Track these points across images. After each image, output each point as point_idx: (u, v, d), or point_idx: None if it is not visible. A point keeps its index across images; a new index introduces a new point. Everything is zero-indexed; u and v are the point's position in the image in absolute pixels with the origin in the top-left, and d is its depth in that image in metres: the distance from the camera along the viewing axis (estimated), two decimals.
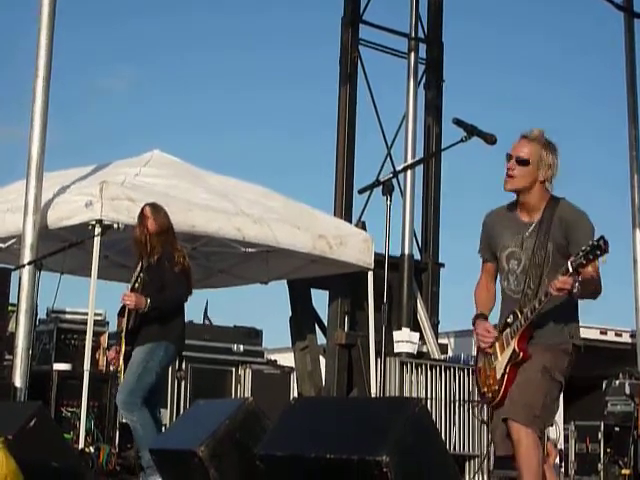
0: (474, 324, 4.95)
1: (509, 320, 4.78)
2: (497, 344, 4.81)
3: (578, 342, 4.81)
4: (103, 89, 32.70)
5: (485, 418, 10.89)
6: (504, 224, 4.91)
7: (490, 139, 5.10)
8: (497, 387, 4.75)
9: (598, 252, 4.38)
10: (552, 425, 5.27)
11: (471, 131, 5.12)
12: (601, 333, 14.03)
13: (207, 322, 11.41)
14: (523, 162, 4.74)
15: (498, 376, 4.76)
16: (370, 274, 10.46)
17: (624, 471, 10.33)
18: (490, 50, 28.27)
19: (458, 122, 5.16)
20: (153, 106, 32.31)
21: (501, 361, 4.76)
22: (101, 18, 29.98)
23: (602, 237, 4.41)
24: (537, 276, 4.72)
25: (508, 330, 4.77)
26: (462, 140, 5.16)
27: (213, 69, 32.50)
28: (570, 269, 4.45)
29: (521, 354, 4.69)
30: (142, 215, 7.08)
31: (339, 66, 11.87)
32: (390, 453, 3.80)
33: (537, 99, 27.05)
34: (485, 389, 4.84)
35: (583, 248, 4.42)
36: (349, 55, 11.81)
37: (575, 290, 4.50)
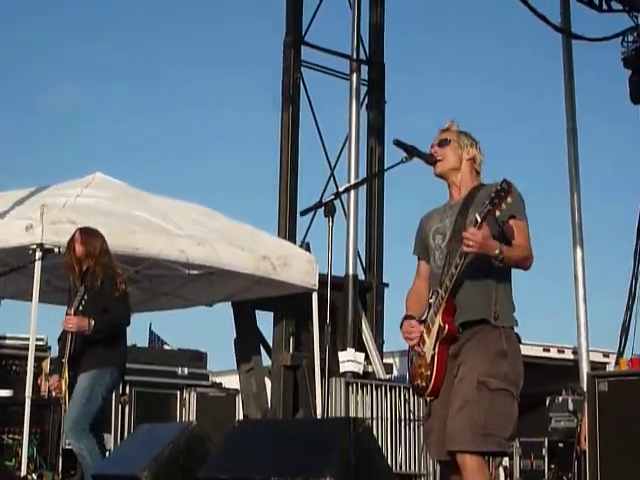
0: (400, 325, 4.77)
1: (431, 300, 4.63)
2: (424, 332, 4.64)
3: (506, 322, 4.59)
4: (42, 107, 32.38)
5: None
6: (434, 213, 4.88)
7: (430, 159, 5.13)
8: (429, 372, 4.56)
9: (502, 194, 4.31)
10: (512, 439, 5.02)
11: (411, 152, 5.13)
12: (544, 350, 14.15)
13: (158, 343, 11.35)
14: (444, 142, 4.81)
15: (428, 359, 4.57)
16: (314, 295, 10.45)
17: None
18: (432, 65, 28.56)
19: (398, 143, 5.18)
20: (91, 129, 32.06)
21: (429, 344, 4.58)
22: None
23: (504, 180, 4.35)
24: (458, 247, 4.51)
25: (431, 310, 4.61)
26: (403, 161, 5.15)
27: (149, 90, 32.42)
28: (478, 219, 4.34)
29: (446, 327, 4.51)
30: (72, 239, 7.06)
31: (281, 87, 11.91)
32: (334, 475, 3.80)
33: (477, 110, 27.36)
34: (418, 380, 4.64)
35: (487, 196, 4.36)
36: (291, 76, 11.85)
37: (497, 251, 4.38)
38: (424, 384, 4.61)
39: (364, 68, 12.53)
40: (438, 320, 4.56)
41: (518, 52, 29.26)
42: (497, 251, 4.42)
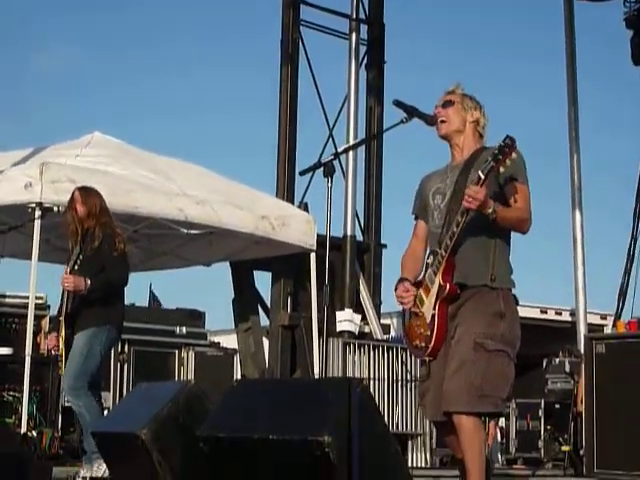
0: (395, 288, 4.78)
1: (429, 261, 4.64)
2: (421, 291, 4.64)
3: (504, 284, 4.60)
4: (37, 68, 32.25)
5: None
6: (436, 174, 4.88)
7: (430, 120, 5.10)
8: (429, 332, 4.55)
9: (506, 150, 4.31)
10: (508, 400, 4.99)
11: (411, 112, 5.11)
12: (541, 312, 14.21)
13: (156, 303, 11.37)
14: (448, 103, 4.80)
15: (428, 319, 4.56)
16: (313, 255, 10.45)
17: (564, 448, 10.45)
18: (431, 27, 28.39)
19: (398, 103, 5.16)
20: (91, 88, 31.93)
21: (428, 304, 4.57)
22: None
23: (507, 135, 4.34)
24: (458, 210, 4.50)
25: (429, 270, 4.61)
26: (402, 121, 5.13)
27: (152, 53, 32.27)
28: (482, 176, 4.34)
29: (447, 285, 4.50)
30: (72, 199, 7.03)
31: (280, 47, 11.85)
32: (332, 434, 3.82)
33: (478, 72, 27.25)
34: (417, 341, 4.64)
35: (491, 153, 4.35)
36: (290, 36, 11.79)
37: (490, 210, 4.38)
38: (423, 344, 4.61)
39: (364, 28, 12.47)
40: (438, 279, 4.56)
41: (519, 17, 29.11)
42: (490, 210, 4.41)
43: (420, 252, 4.87)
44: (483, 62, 29.29)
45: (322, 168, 5.17)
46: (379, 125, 12.22)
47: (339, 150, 5.55)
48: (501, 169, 4.36)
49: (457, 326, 4.59)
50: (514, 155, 4.35)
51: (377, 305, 12.11)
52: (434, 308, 4.57)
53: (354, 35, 12.19)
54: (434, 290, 4.58)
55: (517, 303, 4.72)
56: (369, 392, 4.38)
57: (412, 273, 4.80)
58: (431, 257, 4.65)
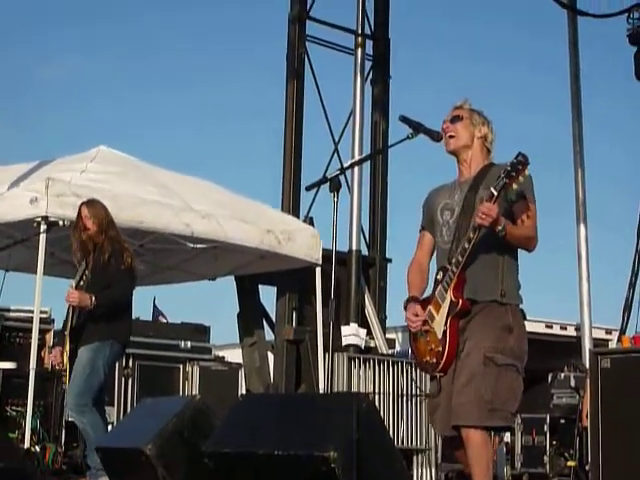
0: (405, 308, 4.80)
1: (438, 277, 4.66)
2: (431, 307, 4.65)
3: (512, 300, 4.64)
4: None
5: None
6: (443, 189, 4.90)
7: (436, 136, 5.11)
8: (440, 348, 4.58)
9: (519, 167, 4.33)
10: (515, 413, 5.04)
11: (417, 128, 5.13)
12: (547, 327, 14.18)
13: (160, 317, 11.35)
14: (456, 119, 4.82)
15: (439, 335, 4.58)
16: (318, 270, 10.44)
17: (570, 463, 10.41)
18: (436, 39, 28.43)
19: (404, 119, 5.17)
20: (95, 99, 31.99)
21: (439, 320, 4.59)
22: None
23: (520, 153, 4.37)
24: (467, 226, 4.56)
25: (440, 287, 4.63)
26: (408, 137, 5.16)
27: (158, 64, 32.37)
28: (494, 192, 4.37)
29: (459, 301, 4.53)
30: (79, 215, 7.01)
31: (286, 62, 11.85)
32: (337, 449, 3.81)
33: (482, 87, 27.28)
34: (427, 357, 4.65)
35: (504, 170, 4.37)
36: (296, 51, 11.78)
37: (500, 227, 4.40)
38: (434, 360, 4.62)
39: (369, 43, 12.48)
40: (449, 295, 4.58)
41: (524, 30, 29.17)
42: (500, 227, 4.43)
43: (425, 264, 4.92)
44: (488, 73, 29.34)
45: (328, 183, 5.18)
46: (384, 140, 12.21)
47: (345, 165, 5.56)
48: (513, 186, 4.38)
49: (466, 340, 4.61)
50: (526, 172, 4.37)
51: (382, 320, 12.08)
52: (445, 324, 4.58)
53: (359, 50, 12.21)
54: (445, 306, 4.59)
55: (525, 318, 4.73)
56: (375, 407, 4.38)
57: (419, 288, 4.84)
58: (441, 273, 4.68)
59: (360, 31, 12.30)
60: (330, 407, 4.05)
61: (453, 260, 4.59)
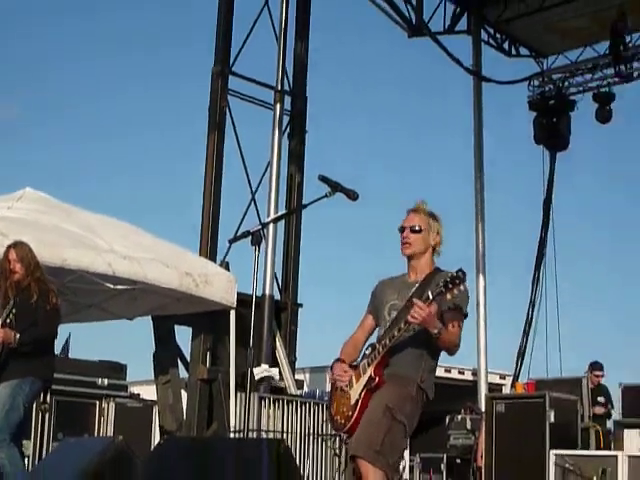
0: (332, 367, 5.07)
1: (367, 352, 4.92)
2: (353, 375, 4.93)
3: (426, 388, 4.93)
4: None
5: (337, 450, 11.03)
6: (392, 285, 5.14)
7: (352, 195, 5.23)
8: (350, 413, 4.84)
9: (457, 281, 4.58)
10: (400, 461, 5.32)
11: (335, 187, 5.23)
12: (445, 371, 14.39)
13: (65, 355, 11.19)
14: (416, 231, 5.04)
15: (352, 402, 4.85)
16: (232, 312, 10.43)
17: None
18: (353, 100, 28.79)
19: (323, 179, 5.27)
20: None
21: (356, 388, 4.86)
22: None
23: (460, 269, 4.62)
24: (403, 317, 4.80)
25: (365, 361, 4.89)
26: (326, 195, 5.27)
27: (76, 113, 32.03)
28: (430, 296, 4.62)
29: (377, 379, 4.81)
30: (6, 258, 6.92)
31: (208, 114, 11.89)
32: None
33: (396, 148, 27.67)
34: (338, 417, 4.92)
35: (443, 279, 4.62)
36: (218, 104, 11.83)
37: (436, 330, 4.68)
38: (343, 421, 4.90)
39: (288, 99, 12.59)
40: (370, 371, 4.85)
41: (435, 96, 29.72)
42: (436, 331, 4.72)
43: (361, 343, 5.18)
44: (398, 134, 29.75)
45: (250, 237, 5.24)
46: (299, 191, 12.31)
47: (265, 221, 5.64)
48: (448, 297, 4.64)
49: (378, 391, 4.86)
50: (462, 288, 4.64)
51: (292, 361, 12.11)
52: (359, 394, 4.86)
53: (278, 106, 12.30)
54: (364, 379, 4.87)
55: (424, 406, 4.98)
56: (290, 452, 4.42)
57: (349, 357, 5.10)
58: (370, 349, 4.93)
59: (279, 87, 12.40)
60: (246, 452, 4.07)
61: (382, 342, 4.85)
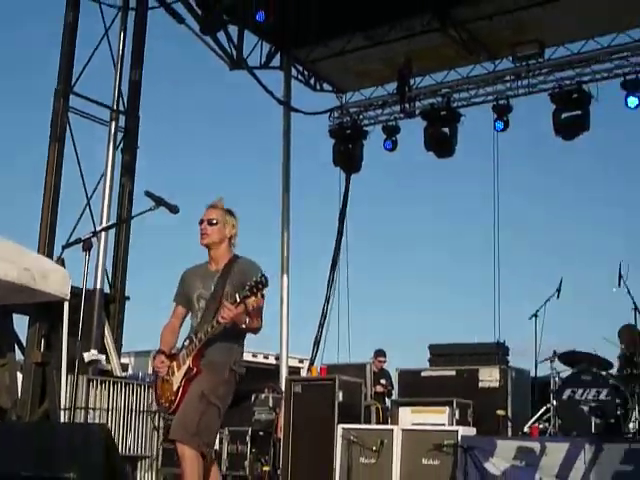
0: (154, 358, 5.11)
1: (185, 343, 4.96)
2: (174, 364, 4.97)
3: (239, 370, 5.03)
4: None
5: (156, 425, 10.95)
6: (197, 274, 5.14)
7: (174, 210, 5.25)
8: (173, 397, 4.90)
9: (260, 286, 4.66)
10: (215, 437, 5.33)
11: (159, 202, 5.23)
12: (253, 356, 14.56)
13: None
14: (213, 223, 5.07)
15: (174, 389, 4.91)
16: (66, 304, 10.22)
17: (265, 467, 10.66)
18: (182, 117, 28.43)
19: (148, 194, 5.26)
20: None
21: (177, 376, 4.91)
22: None
23: (263, 275, 4.70)
24: (214, 309, 4.90)
25: (184, 351, 4.94)
26: (151, 209, 5.26)
27: None
28: (237, 299, 4.68)
29: (195, 369, 4.88)
30: None
31: (50, 130, 11.53)
32: (77, 470, 3.78)
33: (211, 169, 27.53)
34: (163, 400, 4.97)
35: (249, 283, 4.68)
36: (59, 120, 11.50)
37: (244, 325, 4.80)
38: (167, 404, 4.96)
39: (123, 117, 12.35)
40: (189, 362, 4.90)
41: (246, 125, 29.61)
42: (244, 325, 4.84)
43: (177, 328, 5.20)
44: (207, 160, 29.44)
45: (82, 243, 5.15)
46: (130, 200, 12.12)
47: (97, 229, 5.56)
48: (252, 298, 4.71)
49: (195, 379, 4.92)
50: (264, 292, 4.74)
51: (119, 347, 11.91)
52: (180, 382, 4.91)
53: (113, 123, 12.06)
54: (184, 369, 4.92)
55: (238, 384, 5.07)
56: (110, 434, 4.38)
57: (168, 345, 5.12)
58: (187, 341, 4.98)
59: (115, 107, 12.16)
60: (74, 436, 4.02)
61: (199, 335, 4.89)
